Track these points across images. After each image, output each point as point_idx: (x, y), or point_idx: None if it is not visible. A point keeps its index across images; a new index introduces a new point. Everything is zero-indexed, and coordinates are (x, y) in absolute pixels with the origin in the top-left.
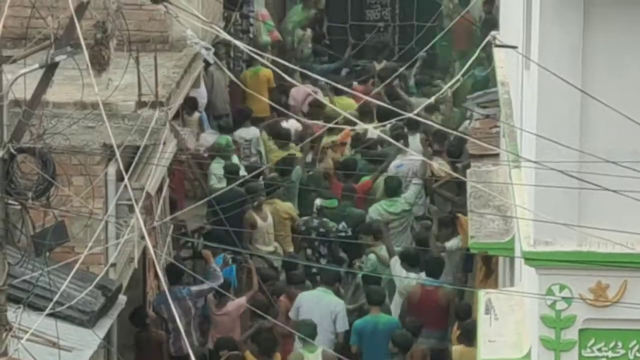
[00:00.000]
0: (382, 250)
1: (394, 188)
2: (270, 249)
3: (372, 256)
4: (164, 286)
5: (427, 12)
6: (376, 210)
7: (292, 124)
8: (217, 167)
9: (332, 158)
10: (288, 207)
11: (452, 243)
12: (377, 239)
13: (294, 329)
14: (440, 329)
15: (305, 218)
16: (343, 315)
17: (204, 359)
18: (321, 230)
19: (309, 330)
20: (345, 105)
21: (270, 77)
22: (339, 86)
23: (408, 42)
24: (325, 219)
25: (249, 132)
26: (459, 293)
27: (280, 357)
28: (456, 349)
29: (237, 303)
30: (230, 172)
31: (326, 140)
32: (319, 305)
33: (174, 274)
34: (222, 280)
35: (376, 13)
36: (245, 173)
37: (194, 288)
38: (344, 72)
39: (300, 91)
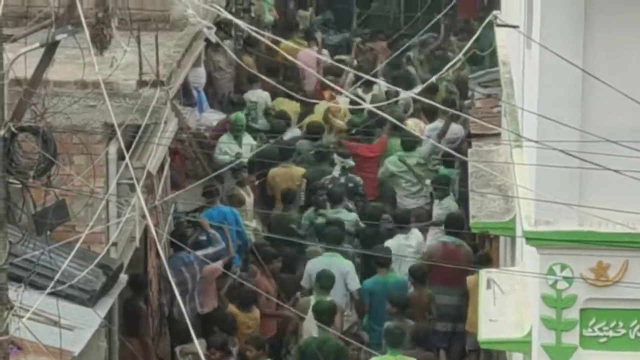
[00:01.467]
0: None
1: (410, 143)
2: (253, 225)
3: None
4: (166, 266)
5: None
6: (393, 161)
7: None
8: (227, 139)
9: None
10: (301, 173)
11: None
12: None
13: (314, 282)
14: (459, 286)
15: (329, 176)
16: (353, 274)
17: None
18: (350, 185)
19: (328, 282)
20: None
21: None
22: (343, 67)
23: (414, 10)
24: (351, 175)
25: (254, 94)
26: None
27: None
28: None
29: (213, 267)
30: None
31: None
32: (330, 269)
33: (179, 241)
34: (223, 245)
35: None
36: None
37: (200, 253)
38: (357, 40)
39: (309, 55)
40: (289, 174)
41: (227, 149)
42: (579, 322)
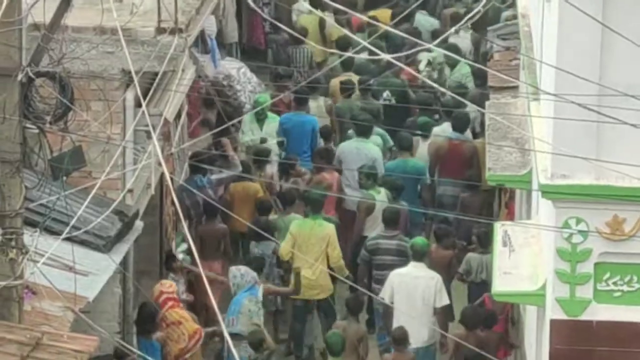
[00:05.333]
0: None
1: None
2: None
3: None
4: (180, 213)
5: None
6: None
7: None
8: (250, 121)
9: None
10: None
11: None
12: None
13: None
14: (463, 178)
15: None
16: (380, 161)
17: None
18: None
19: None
20: None
21: None
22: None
23: None
24: None
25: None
26: None
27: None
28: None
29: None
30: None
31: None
32: (359, 153)
33: (200, 162)
34: (240, 168)
35: None
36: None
37: (214, 176)
38: None
39: None
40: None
41: (250, 131)
42: (593, 276)
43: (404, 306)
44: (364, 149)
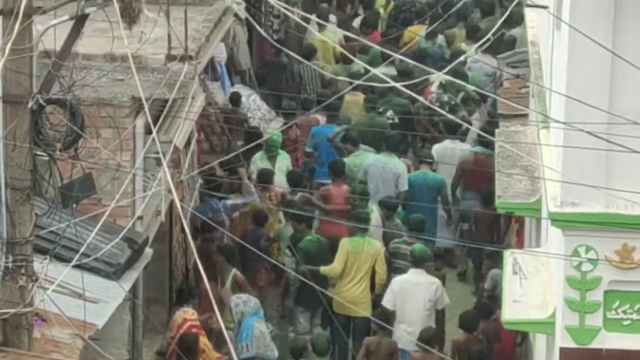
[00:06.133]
0: None
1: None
2: None
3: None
4: (190, 240)
5: None
6: None
7: None
8: (260, 159)
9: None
10: None
11: None
12: None
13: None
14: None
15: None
16: (404, 177)
17: None
18: None
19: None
20: None
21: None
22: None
23: None
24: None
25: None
26: None
27: None
28: None
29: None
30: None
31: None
32: (385, 168)
33: (212, 188)
34: (255, 197)
35: None
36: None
37: (229, 202)
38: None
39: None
40: None
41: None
42: (602, 304)
43: (405, 311)
44: (390, 164)
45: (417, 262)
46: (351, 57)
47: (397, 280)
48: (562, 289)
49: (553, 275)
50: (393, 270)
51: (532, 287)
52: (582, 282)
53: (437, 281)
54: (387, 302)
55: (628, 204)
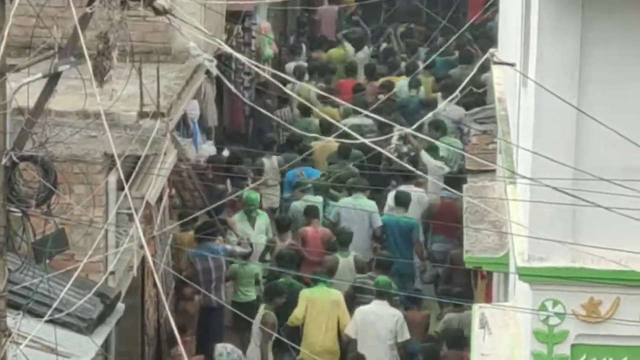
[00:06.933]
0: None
1: None
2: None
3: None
4: (162, 295)
5: None
6: None
7: None
8: (240, 220)
9: None
10: None
11: None
12: None
13: (334, 235)
14: (455, 237)
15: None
16: (377, 215)
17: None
18: None
19: (347, 237)
20: None
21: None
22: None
23: (435, 7)
24: None
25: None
26: None
27: None
28: None
29: None
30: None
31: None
32: (356, 208)
33: (209, 233)
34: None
35: None
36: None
37: (228, 247)
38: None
39: (328, 11)
40: None
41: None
42: (569, 358)
43: (367, 341)
44: (360, 205)
45: (381, 294)
46: (314, 109)
47: (360, 310)
48: (529, 342)
49: (521, 328)
50: (357, 304)
51: (501, 341)
52: (549, 335)
53: (398, 313)
54: (349, 330)
55: (594, 259)
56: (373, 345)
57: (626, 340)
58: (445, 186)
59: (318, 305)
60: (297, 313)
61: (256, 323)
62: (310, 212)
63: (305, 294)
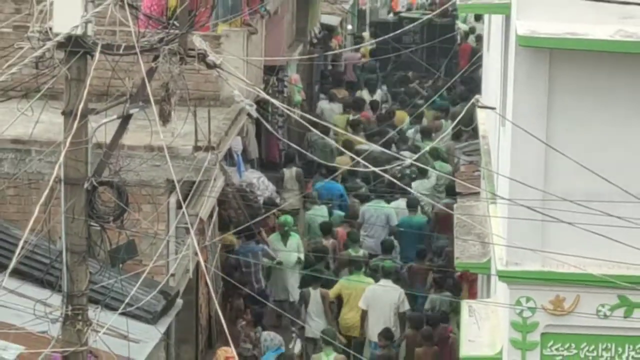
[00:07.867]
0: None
1: None
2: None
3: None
4: (212, 293)
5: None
6: None
7: None
8: (275, 239)
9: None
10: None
11: None
12: None
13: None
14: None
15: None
16: (393, 215)
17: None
18: None
19: (356, 236)
20: None
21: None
22: None
23: (433, 58)
24: None
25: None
26: None
27: None
28: None
29: None
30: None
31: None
32: (377, 211)
33: (250, 235)
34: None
35: (409, 37)
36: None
37: (266, 247)
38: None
39: (351, 57)
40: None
41: (275, 247)
42: (540, 344)
43: (376, 311)
44: (381, 209)
45: (386, 274)
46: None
47: (370, 287)
48: (507, 331)
49: (500, 320)
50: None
51: (484, 329)
52: (523, 325)
53: (400, 290)
54: (362, 303)
55: (559, 264)
56: (381, 314)
57: (585, 329)
58: (432, 201)
59: (351, 289)
60: (331, 292)
61: (313, 302)
62: (325, 229)
63: (340, 282)
